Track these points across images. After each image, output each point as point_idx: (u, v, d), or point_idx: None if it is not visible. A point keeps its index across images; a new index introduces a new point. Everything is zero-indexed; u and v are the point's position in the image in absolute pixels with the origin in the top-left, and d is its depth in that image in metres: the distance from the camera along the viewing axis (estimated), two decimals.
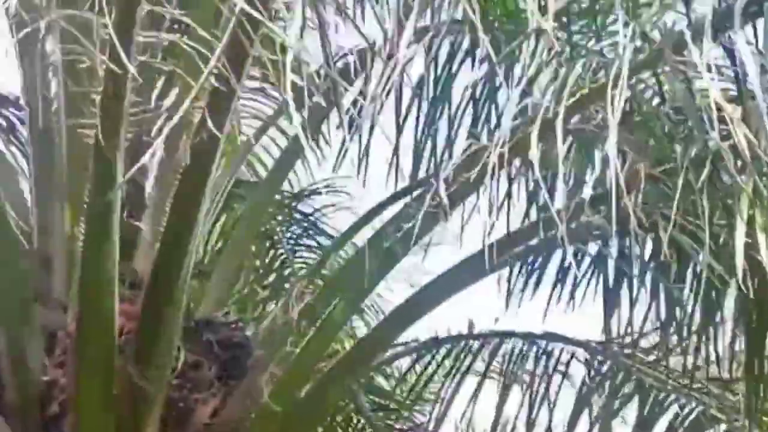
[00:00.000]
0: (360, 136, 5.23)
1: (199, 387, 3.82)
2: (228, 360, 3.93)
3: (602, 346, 5.14)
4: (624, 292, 4.65)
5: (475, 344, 5.18)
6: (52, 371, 3.69)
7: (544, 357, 5.16)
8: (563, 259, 4.71)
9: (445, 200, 3.43)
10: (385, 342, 4.31)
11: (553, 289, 4.75)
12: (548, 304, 4.73)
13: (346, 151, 5.42)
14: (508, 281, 4.74)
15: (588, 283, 4.84)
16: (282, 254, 6.52)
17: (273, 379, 3.80)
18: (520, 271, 4.77)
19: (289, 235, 6.57)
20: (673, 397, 5.06)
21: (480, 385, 5.15)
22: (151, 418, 3.64)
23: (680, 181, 3.41)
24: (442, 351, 5.22)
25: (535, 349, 5.18)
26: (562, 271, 4.89)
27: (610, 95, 3.17)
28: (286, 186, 6.33)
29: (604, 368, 5.17)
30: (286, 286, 6.03)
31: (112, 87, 3.04)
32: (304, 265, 6.49)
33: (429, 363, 5.22)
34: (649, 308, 4.86)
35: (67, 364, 3.62)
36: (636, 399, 5.09)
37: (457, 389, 5.17)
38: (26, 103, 4.38)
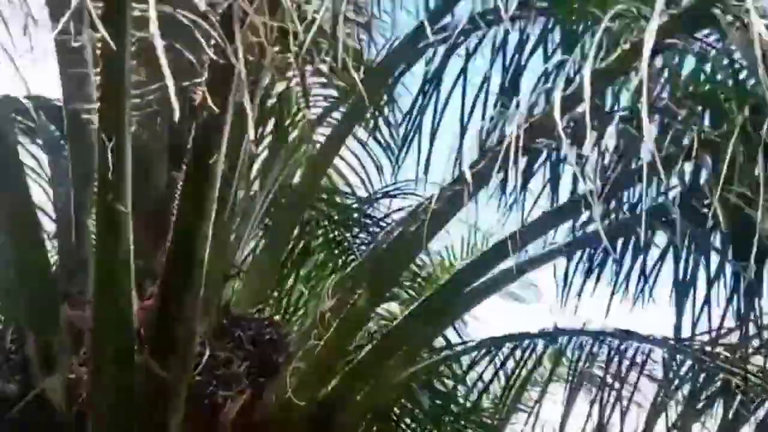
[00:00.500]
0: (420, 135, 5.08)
1: (228, 384, 3.67)
2: (259, 356, 3.77)
3: (683, 343, 4.73)
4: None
5: (540, 343, 4.85)
6: (78, 369, 3.60)
7: (616, 356, 4.78)
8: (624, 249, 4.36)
9: (469, 178, 3.21)
10: (413, 338, 4.04)
11: (616, 281, 4.40)
12: (611, 296, 4.38)
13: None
14: (565, 276, 4.41)
15: (657, 274, 4.49)
16: (353, 260, 6.34)
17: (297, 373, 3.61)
18: (579, 261, 4.43)
19: (359, 241, 6.39)
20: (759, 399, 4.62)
21: (545, 387, 4.82)
22: (175, 414, 3.49)
23: (731, 143, 3.10)
24: (504, 351, 4.89)
25: (606, 348, 4.81)
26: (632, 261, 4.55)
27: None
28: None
29: (684, 368, 4.75)
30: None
31: (110, 67, 2.92)
32: None
33: (489, 363, 4.89)
34: (729, 302, 4.50)
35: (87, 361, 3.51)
36: (719, 402, 4.66)
37: (521, 392, 4.85)
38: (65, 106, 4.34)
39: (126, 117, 2.94)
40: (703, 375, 4.73)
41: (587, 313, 4.68)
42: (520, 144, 3.03)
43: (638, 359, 4.78)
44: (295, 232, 5.97)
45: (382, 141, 6.14)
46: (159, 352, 3.38)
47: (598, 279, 4.43)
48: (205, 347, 3.59)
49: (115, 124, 2.91)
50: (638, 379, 4.78)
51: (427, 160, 4.85)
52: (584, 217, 4.05)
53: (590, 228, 4.20)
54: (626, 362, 4.79)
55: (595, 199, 3.02)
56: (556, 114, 2.95)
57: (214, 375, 3.63)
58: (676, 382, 4.71)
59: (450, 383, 5.44)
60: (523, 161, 4.53)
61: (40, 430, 3.56)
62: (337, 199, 6.41)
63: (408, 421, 5.36)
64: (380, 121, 6.05)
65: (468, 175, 3.14)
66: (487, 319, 6.52)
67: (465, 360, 5.11)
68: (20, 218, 3.56)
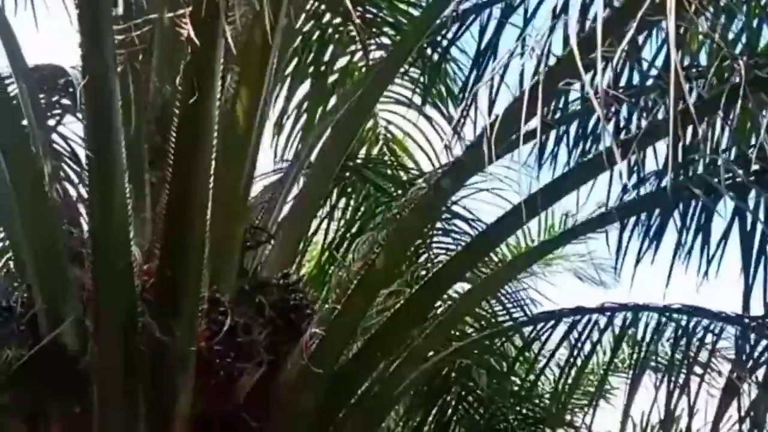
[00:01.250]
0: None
1: (246, 352, 3.47)
2: (280, 323, 3.57)
3: (759, 321, 4.30)
4: None
5: (602, 320, 4.48)
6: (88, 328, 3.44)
7: (684, 336, 4.38)
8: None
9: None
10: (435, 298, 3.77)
11: (676, 250, 4.02)
12: (671, 267, 4.00)
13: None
14: (618, 244, 4.06)
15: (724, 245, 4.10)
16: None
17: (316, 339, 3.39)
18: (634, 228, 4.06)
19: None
20: None
21: (608, 368, 4.45)
22: (186, 381, 3.32)
23: None
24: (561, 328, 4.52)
25: (673, 325, 4.41)
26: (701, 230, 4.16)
27: None
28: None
29: (759, 349, 4.31)
30: (423, 273, 5.59)
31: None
32: (445, 251, 6.01)
33: (546, 341, 4.54)
34: None
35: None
36: None
37: (580, 373, 4.50)
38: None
39: (110, 56, 2.77)
40: None
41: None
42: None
43: (708, 338, 4.38)
44: (349, 210, 5.83)
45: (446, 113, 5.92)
46: (162, 315, 3.21)
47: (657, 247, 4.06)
48: (224, 314, 3.40)
49: (98, 64, 2.76)
50: (708, 360, 4.37)
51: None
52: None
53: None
54: (695, 341, 4.39)
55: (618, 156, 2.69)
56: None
57: (231, 342, 3.43)
58: (750, 363, 4.28)
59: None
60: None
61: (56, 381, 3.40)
62: (402, 176, 6.17)
63: (470, 399, 5.09)
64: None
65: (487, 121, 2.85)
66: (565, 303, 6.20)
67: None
68: (26, 176, 3.42)
